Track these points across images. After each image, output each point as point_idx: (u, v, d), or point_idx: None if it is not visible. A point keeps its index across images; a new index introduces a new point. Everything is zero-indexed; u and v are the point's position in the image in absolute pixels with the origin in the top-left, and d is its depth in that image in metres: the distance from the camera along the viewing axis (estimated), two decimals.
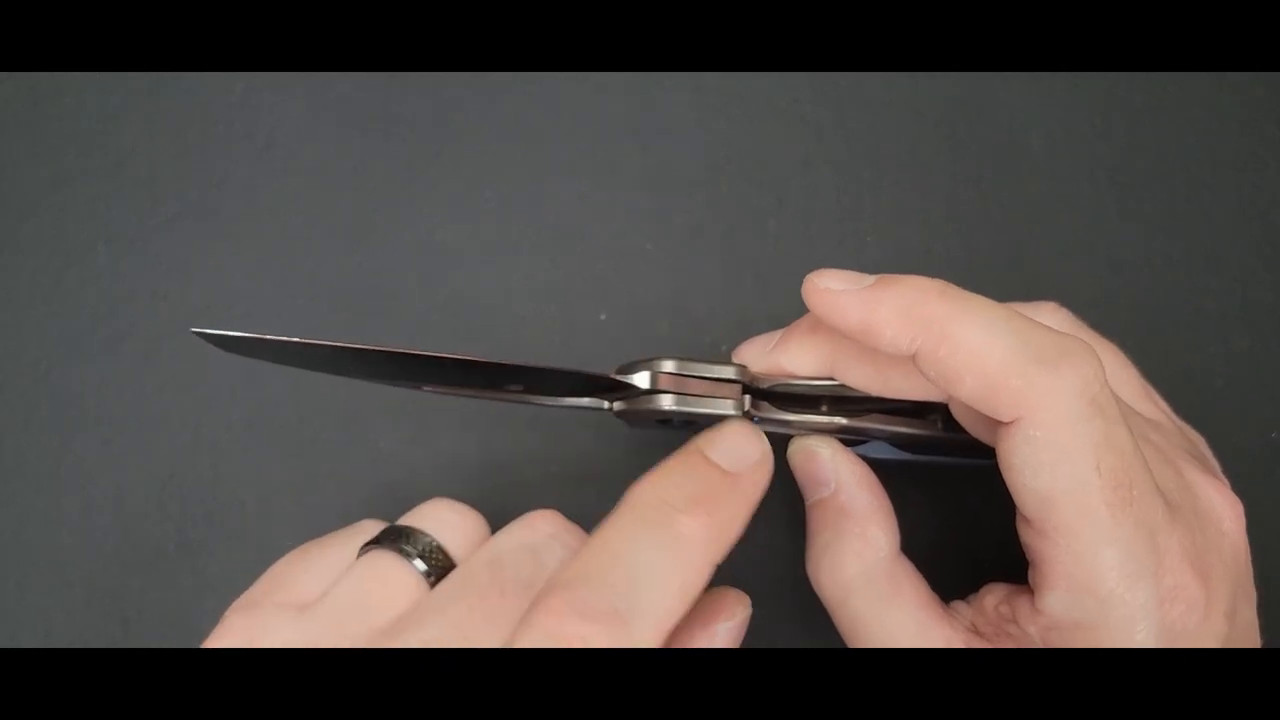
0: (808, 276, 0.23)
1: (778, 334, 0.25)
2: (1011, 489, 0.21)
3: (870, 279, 0.22)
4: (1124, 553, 0.20)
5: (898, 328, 0.21)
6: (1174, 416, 0.26)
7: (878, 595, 0.24)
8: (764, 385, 0.24)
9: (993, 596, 0.24)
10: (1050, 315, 0.26)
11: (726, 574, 0.32)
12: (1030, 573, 0.22)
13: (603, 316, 0.33)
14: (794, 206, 0.34)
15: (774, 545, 0.31)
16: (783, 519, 0.31)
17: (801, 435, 0.26)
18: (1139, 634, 0.20)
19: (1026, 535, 0.21)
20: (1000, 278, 0.34)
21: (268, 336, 0.22)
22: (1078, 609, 0.21)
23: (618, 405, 0.24)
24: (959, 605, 0.25)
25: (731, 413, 0.24)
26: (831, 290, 0.22)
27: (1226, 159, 0.35)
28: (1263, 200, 0.35)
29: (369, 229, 0.34)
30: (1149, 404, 0.24)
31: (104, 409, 0.32)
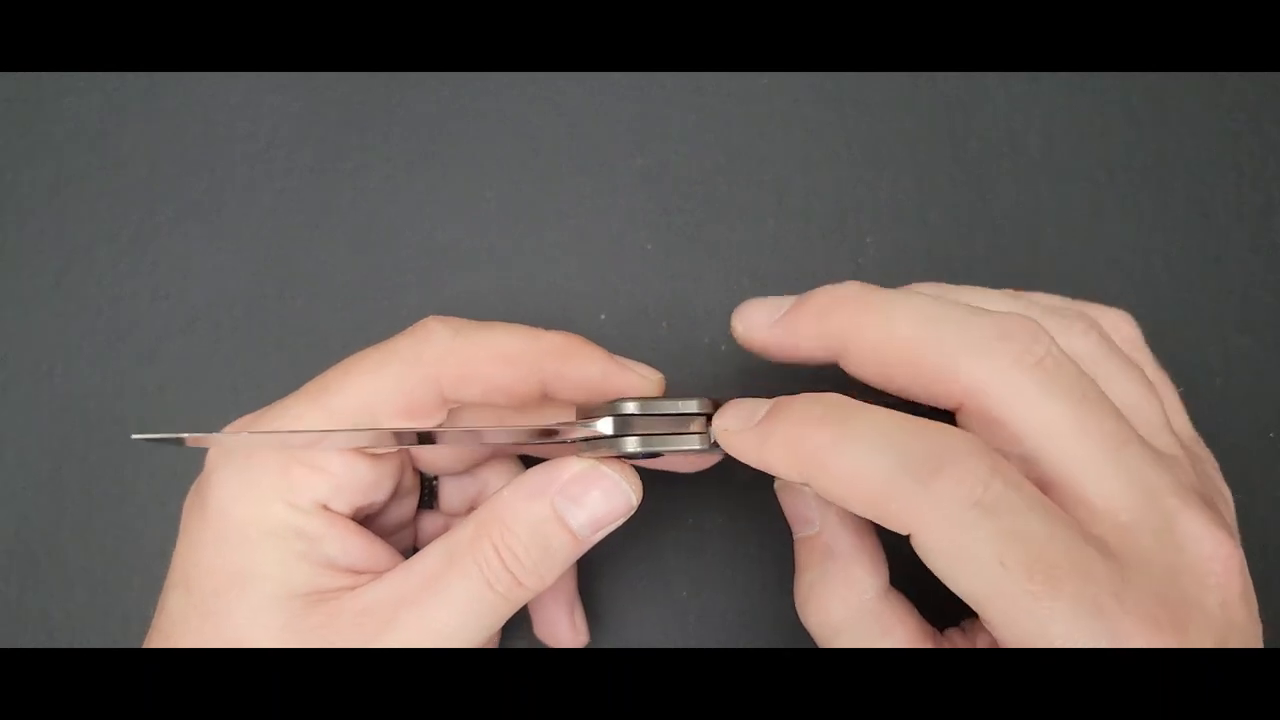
0: (715, 420, 0.23)
1: (785, 302, 0.24)
2: None
3: (765, 406, 0.22)
4: (1069, 627, 0.19)
5: (787, 464, 0.21)
6: (1193, 440, 0.25)
7: (866, 635, 0.24)
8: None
9: (985, 635, 0.24)
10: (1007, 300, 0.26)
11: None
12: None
13: (603, 316, 0.33)
14: (794, 206, 0.34)
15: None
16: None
17: None
18: None
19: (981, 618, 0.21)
20: (1000, 278, 0.34)
21: (210, 435, 0.24)
22: None
23: (583, 449, 0.24)
24: (953, 634, 0.24)
25: (698, 447, 0.23)
26: (729, 431, 0.23)
27: (1226, 159, 0.35)
28: (1263, 200, 0.35)
29: (369, 229, 0.34)
30: (1166, 436, 0.23)
31: (104, 409, 0.32)
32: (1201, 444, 0.25)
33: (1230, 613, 0.21)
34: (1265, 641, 0.28)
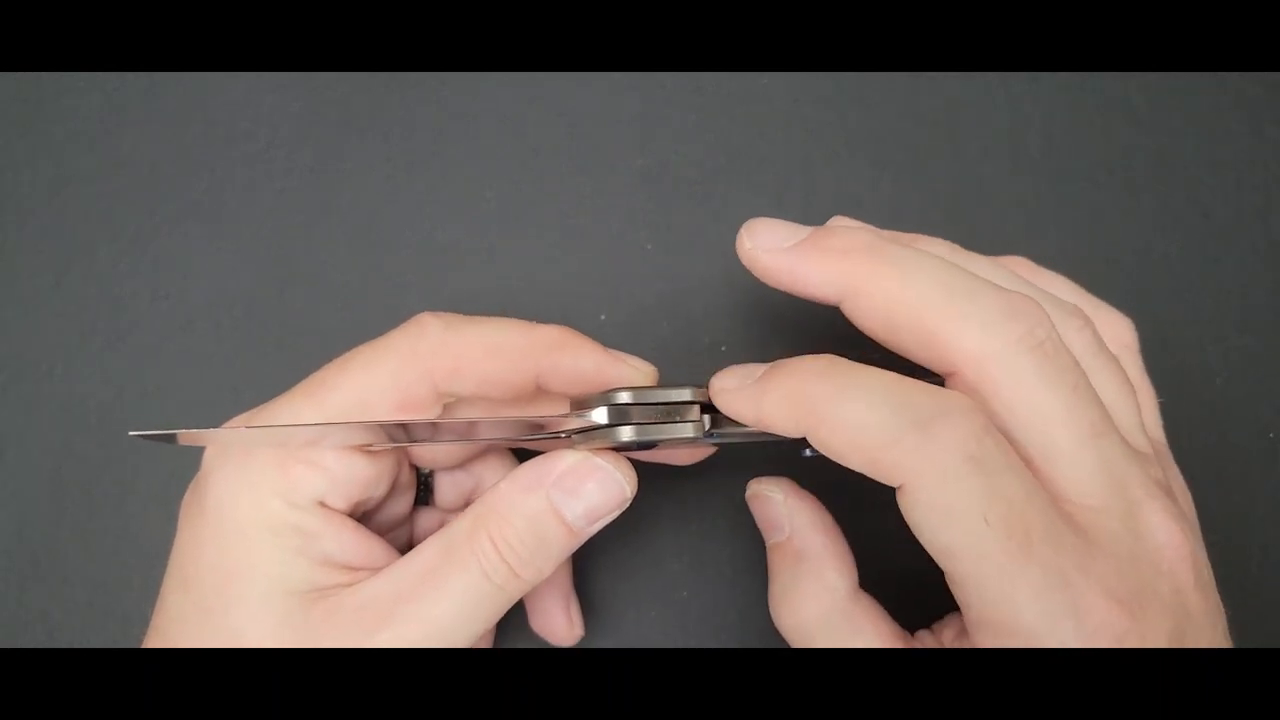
0: (713, 381, 0.23)
1: (797, 231, 0.24)
2: (921, 543, 0.21)
3: (762, 368, 0.23)
4: (1035, 594, 0.20)
5: (785, 416, 0.22)
6: (1160, 443, 0.26)
7: (838, 635, 0.24)
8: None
9: (950, 630, 0.24)
10: (1018, 268, 0.26)
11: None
12: (963, 615, 0.22)
13: (603, 317, 0.33)
14: (794, 206, 0.34)
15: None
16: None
17: (756, 480, 0.26)
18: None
19: (948, 582, 0.22)
20: None
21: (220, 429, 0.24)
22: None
23: (578, 440, 0.24)
24: (923, 635, 0.25)
25: (691, 435, 0.24)
26: (726, 390, 0.23)
27: (1226, 159, 0.35)
28: (1263, 200, 0.35)
29: (369, 229, 0.34)
30: (1139, 435, 0.24)
31: (104, 409, 0.32)
32: (1167, 450, 0.26)
33: (1183, 599, 0.21)
34: (1265, 640, 0.28)
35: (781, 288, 0.24)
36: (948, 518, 0.20)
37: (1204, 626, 0.22)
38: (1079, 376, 0.22)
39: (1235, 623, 0.23)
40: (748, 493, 0.27)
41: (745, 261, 0.25)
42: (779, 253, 0.24)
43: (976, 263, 0.25)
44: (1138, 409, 0.24)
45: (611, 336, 0.33)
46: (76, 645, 0.31)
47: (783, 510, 0.26)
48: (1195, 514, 0.24)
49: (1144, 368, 0.27)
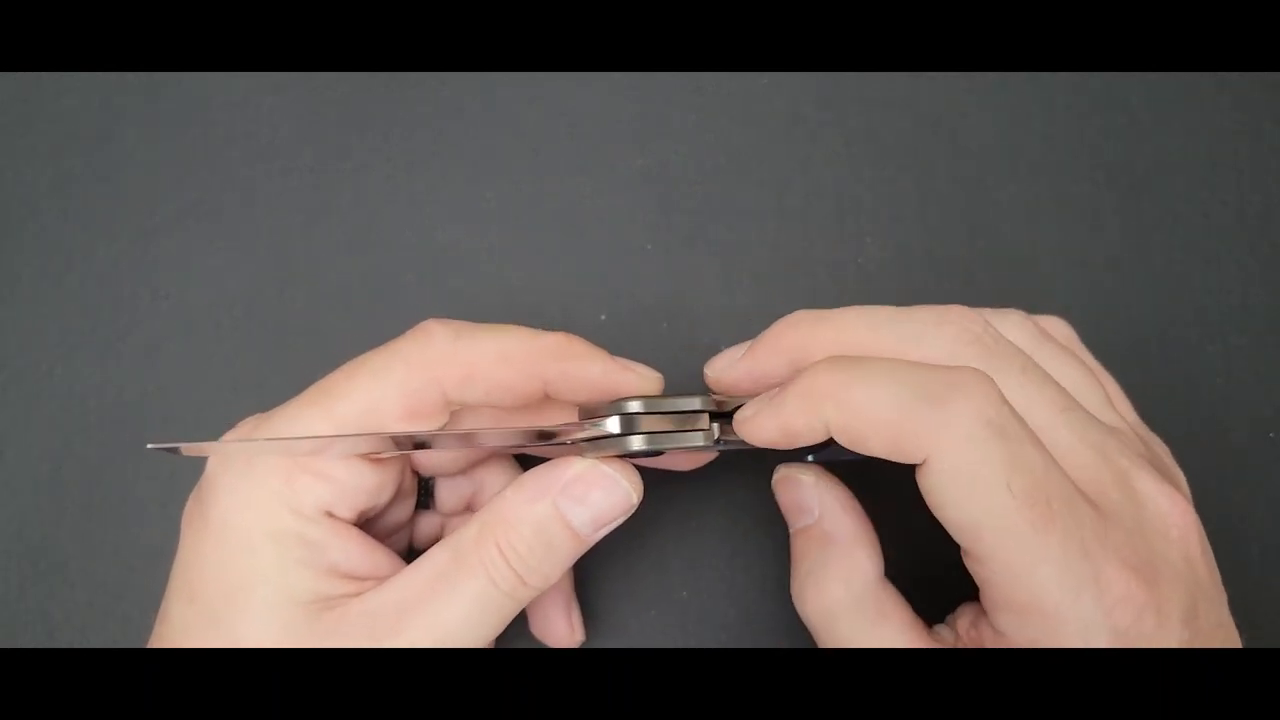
0: (736, 416, 0.24)
1: (745, 345, 0.26)
2: (942, 523, 0.21)
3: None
4: (1058, 567, 0.20)
5: (807, 418, 0.22)
6: (1138, 424, 0.26)
7: (864, 619, 0.24)
8: (730, 408, 0.25)
9: (964, 620, 0.24)
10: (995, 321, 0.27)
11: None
12: (981, 597, 0.22)
13: (603, 317, 0.33)
14: (794, 206, 0.34)
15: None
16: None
17: (784, 464, 0.26)
18: (1095, 644, 0.20)
19: (967, 563, 0.22)
20: (999, 278, 0.34)
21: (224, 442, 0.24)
22: (1030, 628, 0.21)
23: (586, 448, 0.24)
24: (941, 629, 0.25)
25: (701, 443, 0.24)
26: (747, 417, 0.23)
27: (1226, 159, 0.35)
28: (1262, 200, 0.35)
29: (369, 229, 0.34)
30: (1109, 412, 0.24)
31: (104, 409, 0.32)
32: (1148, 430, 0.26)
33: (1194, 568, 0.22)
34: (1263, 640, 0.28)
35: (755, 390, 0.25)
36: (971, 487, 0.20)
37: (1214, 598, 0.22)
38: (1025, 360, 0.23)
39: (1235, 622, 0.23)
40: (776, 476, 0.27)
41: (715, 387, 0.26)
42: (737, 364, 0.26)
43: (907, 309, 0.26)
44: (1102, 390, 0.25)
45: (611, 336, 0.33)
46: (76, 645, 0.31)
47: (812, 493, 0.26)
48: (1189, 492, 0.25)
49: (1092, 357, 0.27)
